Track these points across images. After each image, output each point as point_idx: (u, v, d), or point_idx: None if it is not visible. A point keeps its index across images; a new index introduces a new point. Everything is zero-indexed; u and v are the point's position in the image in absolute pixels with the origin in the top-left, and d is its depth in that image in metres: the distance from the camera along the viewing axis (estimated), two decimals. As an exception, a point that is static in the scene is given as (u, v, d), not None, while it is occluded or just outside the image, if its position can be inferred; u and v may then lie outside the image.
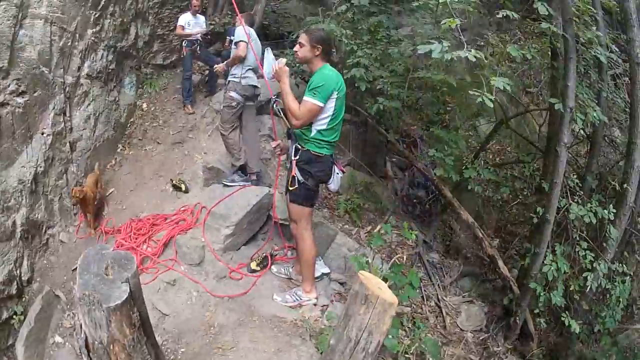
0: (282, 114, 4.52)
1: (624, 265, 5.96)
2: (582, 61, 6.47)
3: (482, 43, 9.06)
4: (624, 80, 7.75)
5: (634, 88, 5.80)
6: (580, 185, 6.30)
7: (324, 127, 4.08)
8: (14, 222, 5.71)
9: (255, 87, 6.48)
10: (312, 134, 4.11)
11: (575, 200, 5.92)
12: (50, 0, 6.39)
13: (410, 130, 8.39)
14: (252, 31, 6.58)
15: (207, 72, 9.47)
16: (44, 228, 6.26)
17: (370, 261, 4.71)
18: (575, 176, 6.54)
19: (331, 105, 4.01)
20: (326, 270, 5.31)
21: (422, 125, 8.66)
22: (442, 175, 6.92)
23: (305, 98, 3.97)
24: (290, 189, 4.27)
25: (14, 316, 5.38)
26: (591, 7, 5.71)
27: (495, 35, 8.57)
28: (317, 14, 7.88)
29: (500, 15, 5.09)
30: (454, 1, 5.11)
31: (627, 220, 6.02)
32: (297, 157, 4.20)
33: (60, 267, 6.10)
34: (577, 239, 5.83)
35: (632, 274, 6.22)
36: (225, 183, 6.30)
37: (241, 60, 6.24)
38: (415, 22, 7.92)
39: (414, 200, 8.80)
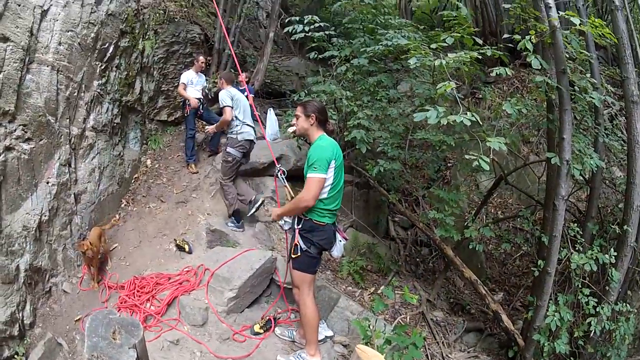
0: (285, 182, 4.74)
1: (628, 305, 5.88)
2: (578, 106, 6.59)
3: (480, 96, 9.26)
4: (620, 120, 7.88)
5: (630, 127, 5.85)
6: (581, 233, 6.27)
7: (325, 196, 4.18)
8: (17, 267, 5.66)
9: (251, 141, 7.02)
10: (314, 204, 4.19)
11: (577, 249, 5.91)
12: (56, 47, 6.51)
13: (411, 189, 8.45)
14: (235, 91, 7.11)
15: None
16: (47, 276, 6.20)
17: (372, 325, 4.66)
18: (575, 224, 6.54)
19: (330, 174, 4.13)
20: (329, 333, 5.28)
21: (423, 183, 8.72)
22: (443, 235, 6.94)
23: (308, 176, 4.09)
24: (293, 256, 4.35)
25: (16, 356, 5.30)
26: (585, 52, 5.83)
27: (492, 89, 8.78)
28: (318, 71, 8.04)
29: (494, 74, 5.25)
30: (449, 62, 5.31)
31: (629, 260, 5.99)
32: (300, 225, 4.31)
33: (63, 316, 6.01)
34: (580, 286, 5.78)
35: (636, 310, 6.15)
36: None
37: (229, 123, 6.77)
38: (413, 80, 8.11)
39: (417, 259, 8.76)
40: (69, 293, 6.32)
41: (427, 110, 4.80)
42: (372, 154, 7.59)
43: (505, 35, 6.31)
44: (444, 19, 6.55)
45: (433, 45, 5.70)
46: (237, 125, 6.86)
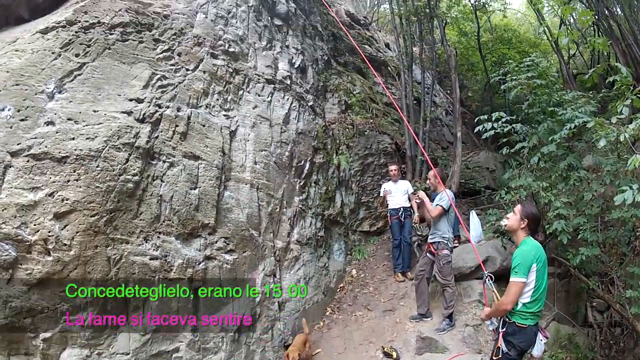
0: (492, 286, 4.83)
1: None
2: None
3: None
4: None
5: None
6: None
7: (528, 299, 4.25)
8: (211, 363, 5.86)
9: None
10: (518, 307, 4.28)
11: None
12: (252, 166, 7.24)
13: (606, 269, 7.28)
14: (450, 193, 7.27)
15: (415, 238, 9.38)
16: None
17: None
18: None
19: (532, 278, 4.21)
20: None
21: (617, 260, 7.46)
22: (637, 312, 6.18)
23: (510, 280, 4.26)
24: (494, 358, 4.42)
25: None
26: None
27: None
28: (507, 162, 7.93)
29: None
30: (632, 134, 5.23)
31: None
32: (504, 328, 4.39)
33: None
34: None
35: None
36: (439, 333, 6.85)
37: (438, 224, 7.03)
38: (599, 158, 7.37)
39: (611, 342, 7.45)
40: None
41: (624, 190, 4.81)
42: (571, 243, 7.11)
43: None
44: (611, 81, 6.34)
45: (613, 120, 5.63)
46: (447, 228, 7.07)
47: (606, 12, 12.05)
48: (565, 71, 14.71)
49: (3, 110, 5.05)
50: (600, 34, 14.66)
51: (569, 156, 7.51)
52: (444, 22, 15.92)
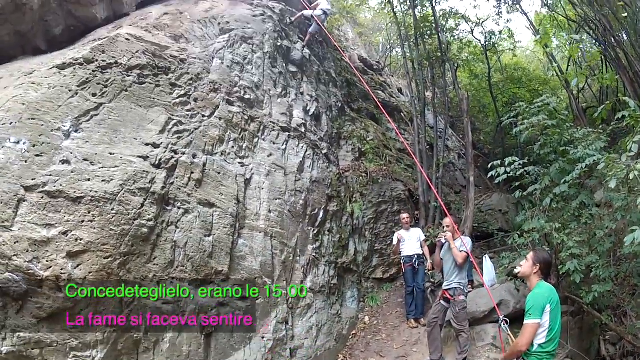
0: (507, 330, 5.04)
1: None
2: None
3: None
4: None
5: None
6: None
7: (543, 340, 4.33)
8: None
9: None
10: (534, 349, 4.36)
11: None
12: (267, 215, 7.27)
13: (619, 301, 7.25)
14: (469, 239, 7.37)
15: (428, 284, 9.33)
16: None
17: None
18: None
19: (546, 319, 4.30)
20: None
21: (629, 291, 7.42)
22: None
23: (524, 322, 4.36)
24: None
25: None
26: None
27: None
28: (520, 203, 7.99)
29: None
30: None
31: None
32: None
33: None
34: None
35: None
36: None
37: (462, 272, 7.06)
38: (610, 194, 7.40)
39: None
40: None
41: (634, 230, 4.92)
42: (584, 281, 7.15)
43: None
44: (620, 117, 6.43)
45: (624, 158, 5.69)
46: (464, 276, 7.12)
47: (613, 41, 12.13)
48: (575, 106, 14.81)
49: (18, 143, 5.12)
50: (607, 64, 14.83)
51: (580, 194, 7.61)
52: (456, 65, 16.19)
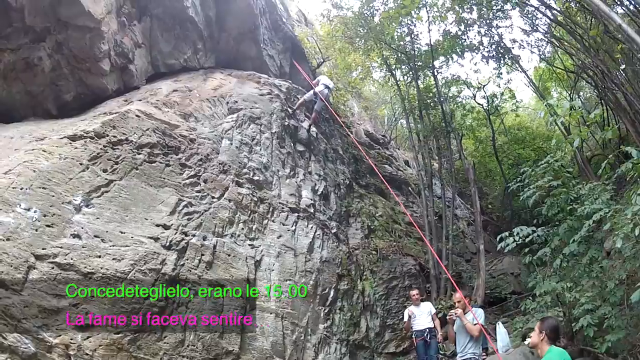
0: None
1: None
2: None
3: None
4: None
5: None
6: None
7: None
8: None
9: None
10: None
11: None
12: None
13: (633, 340, 7.16)
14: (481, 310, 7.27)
15: (440, 357, 9.22)
16: None
17: None
18: None
19: None
20: None
21: None
22: None
23: None
24: None
25: None
26: None
27: None
28: (532, 264, 8.06)
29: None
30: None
31: None
32: None
33: None
34: None
35: None
36: None
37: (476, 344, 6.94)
38: (619, 245, 7.45)
39: None
40: None
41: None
42: (597, 330, 7.07)
43: None
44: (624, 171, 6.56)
45: (628, 214, 5.86)
46: (480, 346, 7.06)
47: (612, 84, 12.29)
48: (579, 158, 14.90)
49: (29, 210, 5.18)
50: (607, 108, 14.97)
51: (590, 249, 7.58)
52: (460, 135, 16.48)
